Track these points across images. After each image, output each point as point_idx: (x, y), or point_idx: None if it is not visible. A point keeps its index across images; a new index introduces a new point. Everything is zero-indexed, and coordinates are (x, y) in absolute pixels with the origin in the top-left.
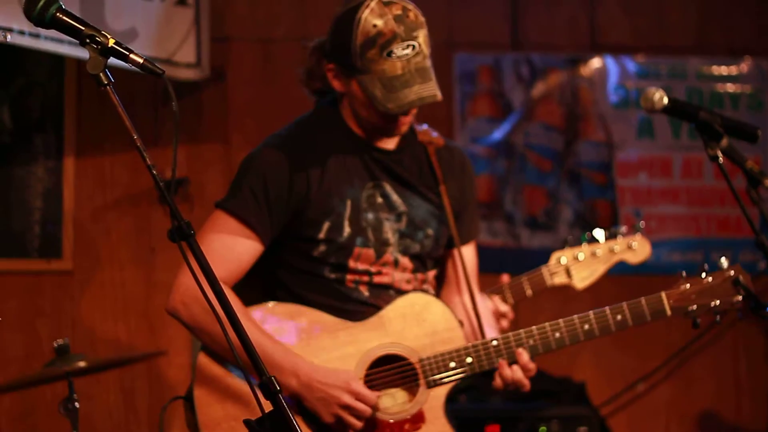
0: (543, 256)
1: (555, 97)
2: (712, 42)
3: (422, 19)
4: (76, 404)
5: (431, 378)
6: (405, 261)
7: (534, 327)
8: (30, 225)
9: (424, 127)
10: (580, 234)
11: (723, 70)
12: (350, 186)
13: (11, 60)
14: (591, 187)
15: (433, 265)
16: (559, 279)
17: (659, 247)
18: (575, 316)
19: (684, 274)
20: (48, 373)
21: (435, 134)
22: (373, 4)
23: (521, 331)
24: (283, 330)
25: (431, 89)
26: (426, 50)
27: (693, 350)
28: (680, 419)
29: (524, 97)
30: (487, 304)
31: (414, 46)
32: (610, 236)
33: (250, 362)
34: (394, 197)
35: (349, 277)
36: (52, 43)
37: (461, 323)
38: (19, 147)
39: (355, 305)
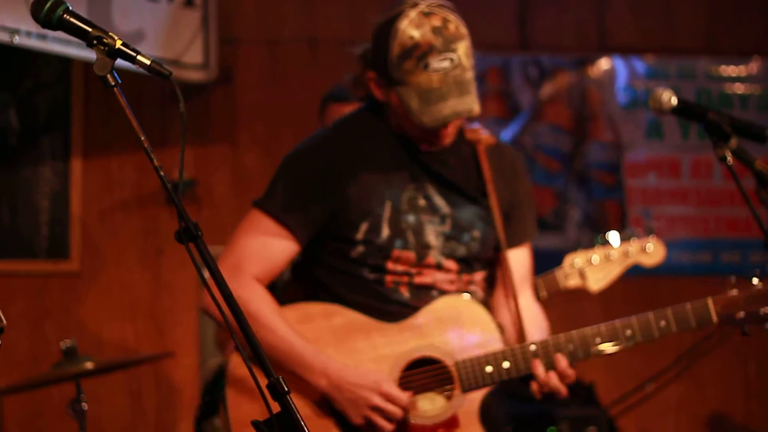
0: (551, 257)
1: (563, 98)
2: (720, 43)
3: (464, 31)
4: (84, 405)
5: (467, 381)
6: (449, 263)
7: (574, 332)
8: (37, 226)
9: (475, 125)
10: (591, 235)
11: (732, 70)
12: (390, 187)
13: (18, 62)
14: (600, 188)
15: (481, 267)
16: (573, 281)
17: (668, 248)
18: (617, 321)
19: (733, 279)
20: (56, 374)
21: (486, 133)
22: (412, 14)
23: (561, 335)
24: (318, 330)
25: (467, 103)
26: (466, 63)
27: (702, 351)
28: (689, 420)
29: (532, 98)
30: (536, 310)
31: (452, 59)
32: (624, 239)
33: (259, 363)
34: (438, 199)
35: (388, 278)
36: (60, 44)
37: (501, 328)
38: (27, 148)
39: (396, 306)
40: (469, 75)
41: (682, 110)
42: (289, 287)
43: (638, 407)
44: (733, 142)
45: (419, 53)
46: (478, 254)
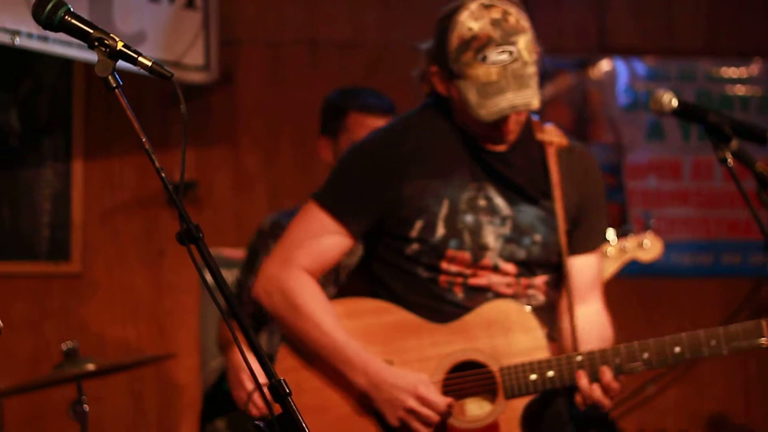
0: None
1: (564, 100)
2: (721, 44)
3: (525, 24)
4: (85, 407)
5: (510, 388)
6: (508, 266)
7: (622, 345)
8: (38, 228)
9: (548, 125)
10: None
11: (732, 72)
12: (449, 186)
13: (19, 63)
14: None
15: (544, 271)
16: None
17: (669, 249)
18: (667, 337)
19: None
20: (57, 376)
21: (559, 134)
22: (473, 6)
23: (608, 348)
24: (367, 326)
25: (526, 97)
26: (527, 57)
27: None
28: (690, 421)
29: None
30: (600, 320)
31: (511, 52)
32: (621, 235)
33: (259, 364)
34: (498, 200)
35: (442, 277)
36: (61, 46)
37: (551, 336)
38: (28, 150)
39: (449, 306)
40: (530, 69)
41: (683, 112)
42: (352, 278)
43: (639, 409)
44: (734, 143)
45: (477, 45)
46: (539, 258)
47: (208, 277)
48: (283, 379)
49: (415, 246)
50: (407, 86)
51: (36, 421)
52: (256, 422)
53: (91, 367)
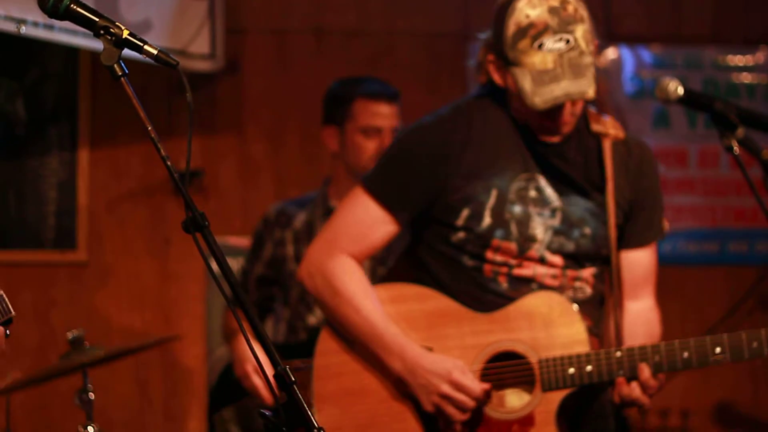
0: None
1: None
2: (727, 32)
3: (583, 13)
4: (91, 395)
5: (547, 381)
6: (555, 259)
7: (662, 343)
8: (44, 216)
9: (606, 117)
10: None
11: (739, 60)
12: (499, 176)
13: (25, 51)
14: None
15: (592, 263)
16: None
17: (675, 237)
18: (707, 336)
19: None
20: (63, 365)
21: (616, 126)
22: None
23: (648, 345)
24: (409, 312)
25: (581, 86)
26: (584, 46)
27: None
28: (696, 409)
29: None
30: (650, 317)
31: (568, 40)
32: None
33: (265, 352)
34: (549, 192)
35: (487, 267)
36: (66, 34)
37: (593, 331)
38: (34, 138)
39: (492, 296)
40: (588, 59)
41: (689, 100)
42: (399, 262)
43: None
44: (740, 131)
45: (534, 32)
46: (588, 251)
47: (214, 266)
48: (288, 367)
49: (461, 234)
50: (413, 74)
51: (42, 409)
52: (263, 411)
53: (97, 354)
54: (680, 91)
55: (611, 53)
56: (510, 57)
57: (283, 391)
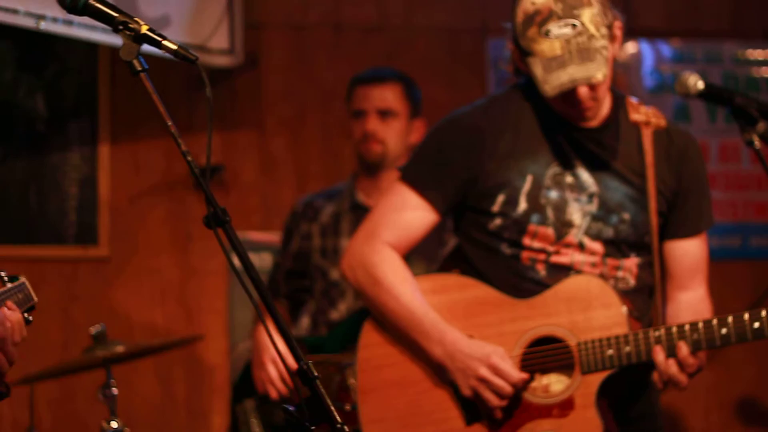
0: None
1: None
2: (747, 26)
3: None
4: (114, 390)
5: (587, 363)
6: (595, 245)
7: (700, 320)
8: (66, 212)
9: (647, 106)
10: None
11: (759, 54)
12: (534, 161)
13: (45, 47)
14: None
15: (637, 253)
16: None
17: None
18: (745, 312)
19: None
20: (86, 359)
21: (657, 115)
22: None
23: (686, 323)
24: (451, 301)
25: (588, 71)
26: (593, 30)
27: None
28: (720, 404)
29: None
30: (701, 307)
31: (575, 25)
32: None
33: (289, 347)
34: (586, 177)
35: (524, 254)
36: (86, 30)
37: (633, 314)
38: (54, 134)
39: (530, 284)
40: (598, 43)
41: (709, 94)
42: (447, 258)
43: (668, 391)
44: (761, 126)
45: (540, 19)
46: (628, 237)
47: (236, 261)
48: (311, 363)
49: (497, 221)
50: (432, 70)
51: (66, 403)
52: (285, 406)
53: (119, 349)
54: (700, 85)
55: (631, 48)
56: (523, 46)
57: (306, 386)
